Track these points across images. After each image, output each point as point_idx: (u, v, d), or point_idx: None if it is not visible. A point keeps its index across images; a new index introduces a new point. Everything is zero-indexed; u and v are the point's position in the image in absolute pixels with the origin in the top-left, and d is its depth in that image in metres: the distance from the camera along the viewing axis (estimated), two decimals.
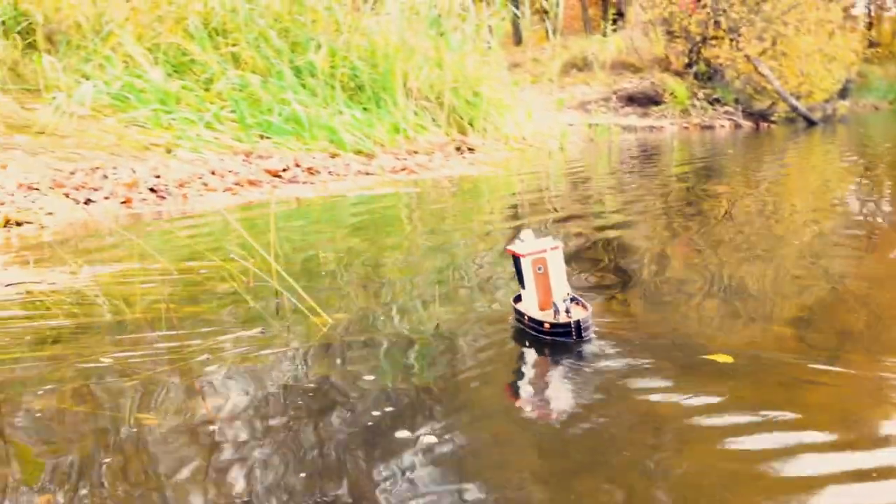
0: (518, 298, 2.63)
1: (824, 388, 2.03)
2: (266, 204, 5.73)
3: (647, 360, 2.22)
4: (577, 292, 2.65)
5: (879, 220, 4.70)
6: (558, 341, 2.38)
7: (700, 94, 17.83)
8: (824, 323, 2.58)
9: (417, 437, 1.75)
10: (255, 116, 8.35)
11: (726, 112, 17.66)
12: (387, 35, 9.84)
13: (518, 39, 22.19)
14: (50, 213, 5.13)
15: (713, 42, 17.80)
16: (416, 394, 2.02)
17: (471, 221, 5.23)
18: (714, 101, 17.87)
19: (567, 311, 2.40)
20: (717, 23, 17.64)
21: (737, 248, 3.83)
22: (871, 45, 26.93)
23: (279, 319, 2.72)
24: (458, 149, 9.68)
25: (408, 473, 1.60)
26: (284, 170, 7.25)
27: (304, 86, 9.07)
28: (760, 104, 17.95)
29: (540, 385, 2.17)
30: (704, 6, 17.80)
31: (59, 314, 2.79)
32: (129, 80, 8.28)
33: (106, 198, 5.73)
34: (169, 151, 7.35)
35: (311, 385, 2.09)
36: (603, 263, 3.70)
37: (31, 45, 8.86)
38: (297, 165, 7.48)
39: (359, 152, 8.52)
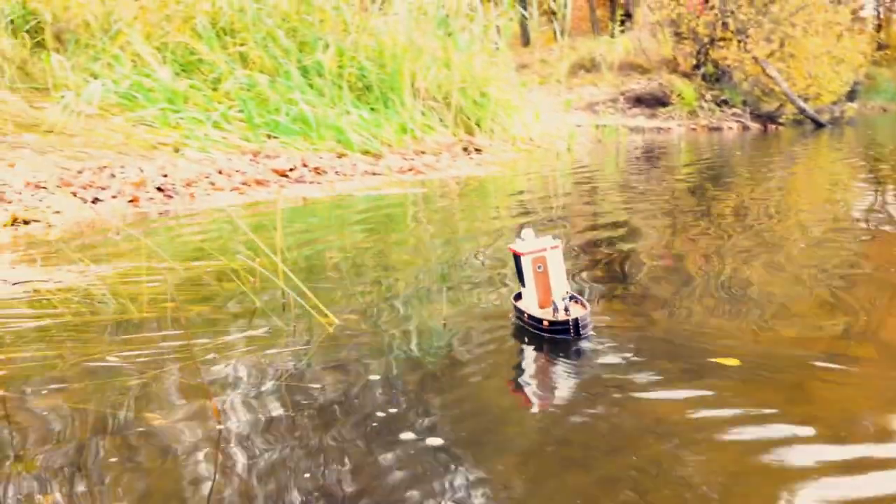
0: (518, 296, 2.65)
1: (827, 387, 2.01)
2: (273, 203, 5.74)
3: (644, 358, 2.22)
4: (579, 290, 2.64)
5: (886, 223, 4.68)
6: (557, 339, 2.39)
7: (708, 96, 17.81)
8: (828, 323, 2.56)
9: (419, 432, 1.75)
10: (263, 116, 8.37)
11: (734, 114, 17.63)
12: (395, 35, 9.85)
13: (526, 40, 22.22)
14: (57, 212, 5.15)
15: (721, 43, 17.78)
16: (418, 390, 2.03)
17: (477, 221, 5.22)
18: (722, 103, 17.84)
19: (566, 310, 2.43)
20: (725, 24, 17.62)
21: (741, 249, 3.81)
22: (880, 47, 26.89)
23: (285, 318, 2.72)
24: (465, 149, 9.67)
25: (409, 467, 1.60)
26: (291, 169, 7.26)
27: (311, 86, 9.09)
28: (768, 106, 17.91)
29: (538, 382, 2.18)
30: (712, 7, 17.79)
31: (66, 313, 2.79)
32: (137, 80, 8.31)
33: (113, 196, 5.75)
34: (176, 150, 7.37)
35: (317, 383, 2.09)
36: (606, 262, 3.69)
37: (40, 44, 8.91)
38: (305, 165, 7.49)
39: (366, 152, 8.52)
